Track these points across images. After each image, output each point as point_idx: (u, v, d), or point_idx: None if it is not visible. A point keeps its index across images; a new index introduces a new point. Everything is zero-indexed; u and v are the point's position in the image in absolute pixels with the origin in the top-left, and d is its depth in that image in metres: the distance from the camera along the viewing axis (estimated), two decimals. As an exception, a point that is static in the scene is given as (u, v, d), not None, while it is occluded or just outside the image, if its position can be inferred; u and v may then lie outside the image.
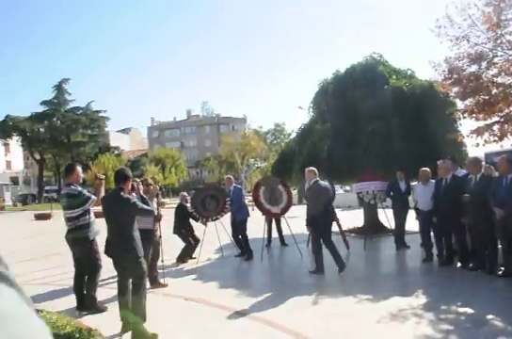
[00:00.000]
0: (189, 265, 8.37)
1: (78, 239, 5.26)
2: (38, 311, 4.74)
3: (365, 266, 8.32)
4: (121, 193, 4.44)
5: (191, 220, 9.05)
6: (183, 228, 8.78)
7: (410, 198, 9.16)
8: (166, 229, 7.26)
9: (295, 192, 15.36)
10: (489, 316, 4.58)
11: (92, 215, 5.44)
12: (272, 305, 5.30)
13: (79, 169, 5.63)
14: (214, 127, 74.89)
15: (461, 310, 4.84)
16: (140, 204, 4.54)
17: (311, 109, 13.23)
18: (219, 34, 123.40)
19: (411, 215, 9.13)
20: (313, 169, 7.43)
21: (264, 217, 9.54)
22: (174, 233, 8.76)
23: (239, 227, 8.82)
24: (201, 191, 9.36)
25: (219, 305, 5.42)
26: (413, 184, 10.51)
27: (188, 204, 9.11)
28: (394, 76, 11.43)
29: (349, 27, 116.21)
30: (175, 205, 9.55)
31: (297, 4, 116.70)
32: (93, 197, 5.31)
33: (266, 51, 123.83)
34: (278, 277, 7.32)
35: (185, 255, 8.64)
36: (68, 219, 5.33)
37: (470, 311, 4.79)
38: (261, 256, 8.56)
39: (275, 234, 10.46)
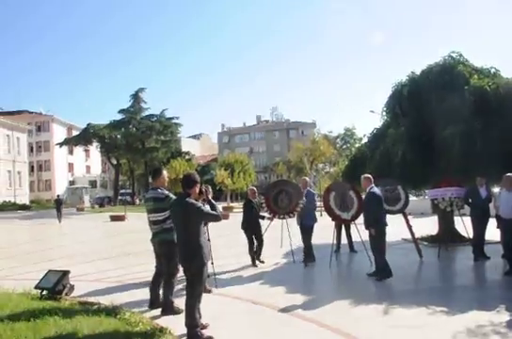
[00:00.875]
0: (257, 269, 8.36)
1: (165, 242, 5.25)
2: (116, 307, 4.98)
3: (439, 276, 7.85)
4: (187, 198, 4.37)
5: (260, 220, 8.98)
6: (249, 225, 8.69)
7: (491, 205, 8.53)
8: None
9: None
10: None
11: None
12: (340, 313, 5.15)
13: (165, 173, 5.73)
14: (283, 132, 75.16)
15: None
16: (206, 209, 4.47)
17: (384, 113, 12.82)
18: (288, 37, 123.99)
19: (492, 223, 8.51)
20: (369, 176, 7.47)
21: (333, 222, 9.31)
22: (242, 228, 8.78)
23: (305, 232, 8.61)
24: (278, 185, 9.29)
25: (287, 310, 5.34)
26: (495, 190, 9.82)
27: (256, 199, 9.05)
28: (476, 76, 10.75)
29: (423, 27, 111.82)
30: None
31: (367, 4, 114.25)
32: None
33: (338, 56, 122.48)
34: (346, 284, 7.09)
35: (252, 257, 8.63)
36: (153, 223, 5.37)
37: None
38: (329, 262, 8.38)
39: (344, 240, 10.21)
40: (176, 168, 35.20)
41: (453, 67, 11.16)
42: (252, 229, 8.68)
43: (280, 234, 9.60)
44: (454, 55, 11.71)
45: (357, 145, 47.54)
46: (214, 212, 4.55)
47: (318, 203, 10.96)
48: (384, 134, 11.91)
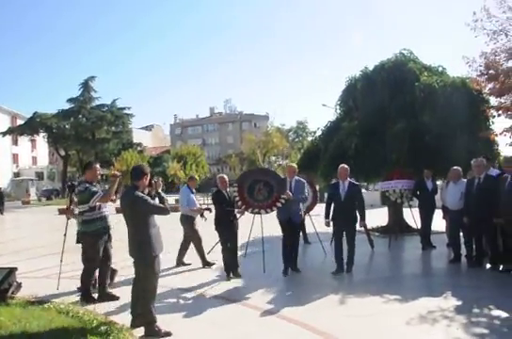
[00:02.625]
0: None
1: (80, 233, 5.59)
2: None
3: (391, 265, 8.12)
4: (134, 191, 4.29)
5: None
6: (223, 223, 6.81)
7: (437, 197, 8.91)
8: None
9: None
10: (527, 321, 4.38)
11: (103, 210, 5.57)
12: (298, 304, 5.17)
13: (97, 167, 5.71)
14: (236, 124, 75.05)
15: (495, 313, 4.64)
16: (153, 202, 4.36)
17: (338, 107, 13.04)
18: (242, 31, 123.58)
19: (437, 214, 8.90)
20: (293, 165, 7.43)
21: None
22: (216, 229, 6.99)
23: (296, 230, 7.19)
24: (255, 174, 7.60)
25: (246, 304, 5.32)
26: (439, 183, 10.29)
27: (229, 189, 7.18)
28: (425, 73, 11.14)
29: (375, 24, 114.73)
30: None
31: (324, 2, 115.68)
32: (99, 193, 5.41)
33: (290, 49, 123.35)
34: (302, 276, 7.18)
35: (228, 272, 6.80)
36: (79, 214, 5.63)
37: (504, 314, 4.58)
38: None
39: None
40: (127, 159, 34.38)
41: (404, 64, 11.50)
42: (230, 229, 6.85)
43: (249, 230, 8.51)
44: (405, 52, 12.07)
45: (309, 138, 48.21)
46: (161, 205, 4.44)
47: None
48: (338, 127, 12.12)
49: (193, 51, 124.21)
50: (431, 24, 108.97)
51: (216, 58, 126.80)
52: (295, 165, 7.60)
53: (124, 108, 50.21)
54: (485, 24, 8.66)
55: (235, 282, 6.44)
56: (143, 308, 4.25)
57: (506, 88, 8.44)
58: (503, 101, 8.79)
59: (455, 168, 7.68)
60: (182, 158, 46.94)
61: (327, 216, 7.04)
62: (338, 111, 12.99)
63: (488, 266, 6.87)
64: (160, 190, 5.16)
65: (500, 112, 8.77)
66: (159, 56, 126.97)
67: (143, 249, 4.26)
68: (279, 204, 6.81)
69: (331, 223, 7.00)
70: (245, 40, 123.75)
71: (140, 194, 4.31)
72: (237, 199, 7.00)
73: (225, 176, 7.15)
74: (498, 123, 10.22)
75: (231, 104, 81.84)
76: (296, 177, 7.01)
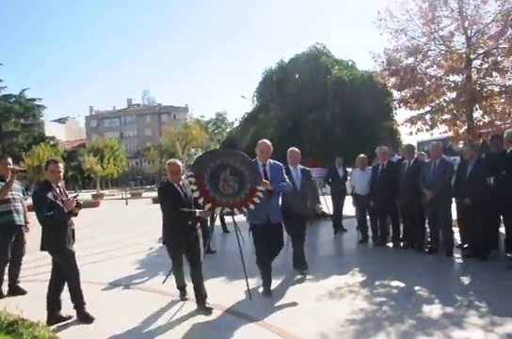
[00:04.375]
0: (132, 255, 8.22)
1: None
2: None
3: (306, 248, 8.53)
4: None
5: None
6: (175, 232, 4.68)
7: (347, 184, 9.50)
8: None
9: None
10: (417, 288, 4.95)
11: (12, 205, 5.43)
12: (219, 290, 5.32)
13: (7, 161, 5.49)
14: (155, 116, 73.46)
15: (393, 284, 5.17)
16: (39, 198, 4.21)
17: (255, 98, 13.34)
18: (160, 21, 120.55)
19: (348, 200, 9.51)
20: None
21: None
22: (163, 241, 5.11)
23: (275, 236, 5.16)
24: (215, 156, 5.04)
25: (164, 292, 5.34)
26: (349, 170, 10.98)
27: (185, 180, 4.91)
28: (336, 67, 11.76)
29: (292, 17, 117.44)
30: (115, 197, 8.60)
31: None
32: None
33: (207, 40, 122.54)
34: (221, 263, 7.35)
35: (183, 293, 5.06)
36: None
37: (401, 284, 5.13)
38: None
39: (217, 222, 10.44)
40: (39, 154, 32.29)
41: (317, 57, 12.06)
42: (185, 240, 4.63)
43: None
44: (318, 46, 12.64)
45: (228, 130, 48.52)
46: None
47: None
48: (255, 118, 12.43)
49: (109, 41, 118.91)
50: (345, 17, 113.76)
51: (134, 49, 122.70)
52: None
53: (35, 99, 47.02)
54: (388, 23, 9.33)
55: (153, 271, 6.47)
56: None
57: (406, 82, 9.18)
58: (403, 94, 9.55)
59: (361, 155, 8.28)
60: (98, 152, 45.03)
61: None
62: (255, 103, 13.30)
63: (391, 244, 7.52)
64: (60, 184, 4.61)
65: (401, 104, 9.54)
66: (73, 45, 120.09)
67: (50, 242, 4.32)
68: (256, 200, 4.86)
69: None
70: (162, 31, 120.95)
71: (37, 188, 4.42)
72: (196, 194, 4.68)
73: (178, 162, 4.81)
74: (400, 115, 11.17)
75: (149, 95, 79.83)
76: (271, 160, 5.22)
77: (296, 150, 6.01)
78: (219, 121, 67.15)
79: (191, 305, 4.66)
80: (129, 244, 9.15)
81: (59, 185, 4.53)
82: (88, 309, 4.38)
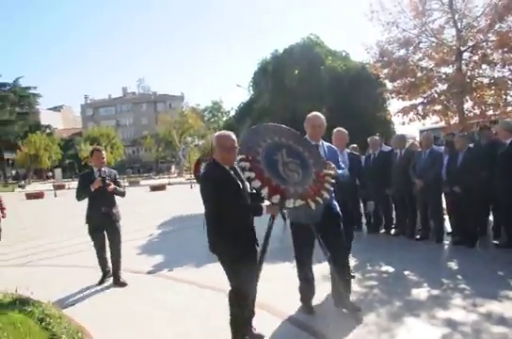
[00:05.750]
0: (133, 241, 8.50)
1: None
2: None
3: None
4: None
5: None
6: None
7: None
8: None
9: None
10: (406, 272, 5.24)
11: None
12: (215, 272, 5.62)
13: None
14: (150, 105, 73.29)
15: (384, 269, 5.47)
16: None
17: (250, 88, 13.53)
18: (154, 10, 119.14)
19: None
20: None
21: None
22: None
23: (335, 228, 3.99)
24: (267, 134, 3.69)
25: (154, 273, 5.75)
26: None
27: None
28: (330, 58, 11.94)
29: (285, 6, 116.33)
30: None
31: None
32: None
33: (203, 28, 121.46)
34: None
35: None
36: None
37: (391, 269, 5.42)
38: (203, 231, 8.81)
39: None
40: (35, 143, 32.40)
41: (311, 48, 12.23)
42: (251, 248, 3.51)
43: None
44: (312, 37, 12.80)
45: (224, 118, 48.56)
46: None
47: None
48: (251, 107, 12.64)
49: (105, 30, 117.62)
50: (336, 10, 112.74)
51: (129, 36, 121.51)
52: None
53: (29, 88, 46.98)
54: (380, 15, 9.51)
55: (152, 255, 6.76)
56: None
57: (398, 74, 9.40)
58: (396, 85, 9.77)
59: (352, 146, 8.51)
60: (95, 140, 45.18)
61: None
62: (251, 92, 13.49)
63: (383, 231, 7.82)
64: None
65: (393, 95, 9.77)
66: (68, 35, 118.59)
67: None
68: (328, 186, 3.70)
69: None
70: (159, 19, 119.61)
71: None
72: (257, 183, 3.27)
73: (233, 135, 3.43)
74: (393, 105, 11.42)
75: (144, 83, 79.58)
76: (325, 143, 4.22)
77: (344, 130, 5.03)
78: (215, 110, 67.05)
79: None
80: (130, 231, 9.40)
81: (102, 169, 5.49)
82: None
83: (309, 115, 4.17)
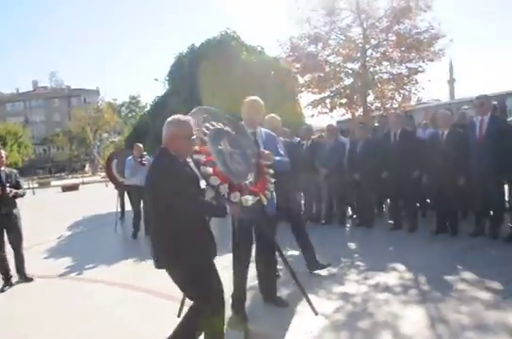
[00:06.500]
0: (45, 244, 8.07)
1: None
2: None
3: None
4: None
5: None
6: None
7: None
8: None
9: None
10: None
11: None
12: (128, 270, 5.61)
13: None
14: (64, 100, 69.40)
15: (289, 253, 5.63)
16: None
17: (166, 82, 13.34)
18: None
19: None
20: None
21: (116, 191, 9.57)
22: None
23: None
24: (206, 119, 3.21)
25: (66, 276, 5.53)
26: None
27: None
28: (244, 52, 12.09)
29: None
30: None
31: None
32: None
33: (121, 21, 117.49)
34: (132, 246, 7.48)
35: None
36: None
37: (296, 253, 5.58)
38: (115, 229, 8.71)
39: (128, 207, 10.46)
40: None
41: (228, 42, 12.30)
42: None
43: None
44: (229, 31, 12.88)
45: (141, 113, 47.52)
46: None
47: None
48: (166, 102, 12.46)
49: (13, 18, 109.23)
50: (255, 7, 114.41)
51: (39, 26, 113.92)
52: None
53: None
54: (293, 12, 9.85)
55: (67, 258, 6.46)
56: None
57: (308, 68, 9.81)
58: (306, 79, 10.19)
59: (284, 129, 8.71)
60: (0, 139, 42.04)
61: None
62: (166, 86, 13.31)
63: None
64: None
65: (303, 89, 10.17)
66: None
67: None
68: (270, 179, 3.43)
69: None
70: (73, 9, 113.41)
71: None
72: (215, 180, 2.80)
73: (190, 120, 3.01)
74: (305, 99, 11.88)
75: (57, 77, 74.89)
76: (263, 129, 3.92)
77: (277, 117, 4.82)
78: (133, 105, 65.14)
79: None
80: (38, 234, 8.90)
81: (2, 168, 5.15)
82: None
83: (246, 99, 3.78)
